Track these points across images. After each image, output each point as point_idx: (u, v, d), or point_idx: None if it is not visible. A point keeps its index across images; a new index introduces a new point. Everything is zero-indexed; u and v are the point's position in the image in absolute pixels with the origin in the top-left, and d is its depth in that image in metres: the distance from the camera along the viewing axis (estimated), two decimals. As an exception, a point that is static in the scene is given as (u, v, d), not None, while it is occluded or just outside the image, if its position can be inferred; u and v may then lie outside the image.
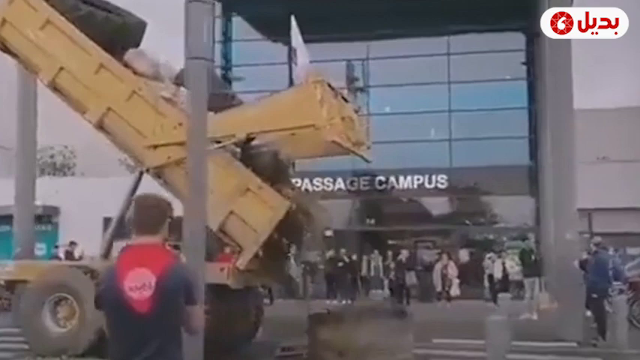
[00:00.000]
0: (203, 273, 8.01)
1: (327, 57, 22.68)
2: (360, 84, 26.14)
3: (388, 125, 25.23)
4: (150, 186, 11.60)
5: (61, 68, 11.64)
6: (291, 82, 25.08)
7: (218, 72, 25.57)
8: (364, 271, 23.40)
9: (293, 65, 13.27)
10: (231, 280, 10.63)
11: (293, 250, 11.76)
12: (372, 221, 26.42)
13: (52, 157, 34.52)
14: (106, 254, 11.67)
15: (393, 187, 25.57)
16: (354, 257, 23.86)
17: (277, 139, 11.14)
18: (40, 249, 23.70)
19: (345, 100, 11.81)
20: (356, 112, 12.49)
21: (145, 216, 3.61)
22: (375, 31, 25.09)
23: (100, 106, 11.52)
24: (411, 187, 25.33)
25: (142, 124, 11.24)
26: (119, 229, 11.79)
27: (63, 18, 11.65)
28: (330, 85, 10.90)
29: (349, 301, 20.93)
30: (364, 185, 25.67)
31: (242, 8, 27.26)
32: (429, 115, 25.60)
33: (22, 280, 11.72)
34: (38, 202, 21.55)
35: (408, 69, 25.45)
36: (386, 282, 22.70)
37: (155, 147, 11.14)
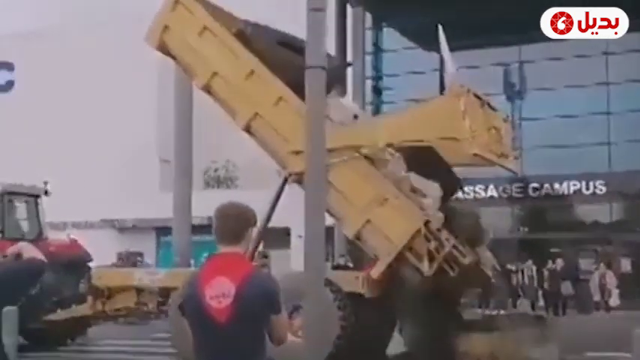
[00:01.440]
0: (321, 281, 8.18)
1: (482, 63, 22.37)
2: (515, 89, 25.55)
3: (543, 130, 24.52)
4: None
5: (215, 73, 12.05)
6: (442, 91, 25.07)
7: (369, 82, 25.98)
8: (518, 281, 22.75)
9: (444, 74, 13.21)
10: (365, 289, 10.78)
11: None
12: (526, 229, 25.62)
13: (216, 170, 36.37)
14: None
15: (548, 194, 24.68)
16: (509, 266, 23.22)
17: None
18: (205, 258, 25.11)
19: (493, 108, 11.60)
20: (505, 120, 12.24)
21: (225, 225, 3.57)
22: (529, 34, 24.34)
23: (248, 110, 11.85)
24: (567, 192, 24.34)
25: (287, 130, 11.40)
26: (262, 236, 12.21)
27: (218, 24, 12.09)
28: (476, 95, 10.77)
29: (501, 311, 20.41)
30: (517, 192, 24.96)
31: (393, 19, 27.43)
32: (586, 117, 24.49)
33: (172, 287, 12.47)
34: (203, 214, 22.79)
35: (564, 71, 24.56)
36: (540, 292, 21.99)
37: (297, 153, 11.14)
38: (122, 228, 34.18)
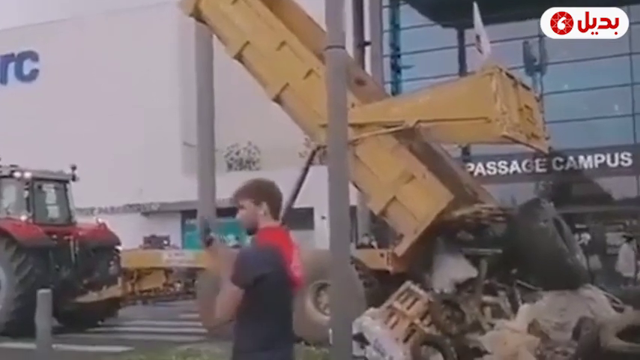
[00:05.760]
0: (347, 258, 8.23)
1: (502, 37, 22.09)
2: (537, 63, 25.28)
3: (567, 103, 24.25)
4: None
5: (247, 42, 12.11)
6: (461, 68, 24.96)
7: (387, 61, 25.87)
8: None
9: (477, 53, 13.04)
10: (391, 266, 10.88)
11: None
12: (551, 204, 25.36)
13: (237, 153, 36.55)
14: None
15: (572, 168, 24.46)
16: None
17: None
18: (229, 240, 25.34)
19: (526, 87, 11.52)
20: (537, 100, 12.14)
21: (280, 201, 3.84)
22: (549, 6, 24.06)
23: (278, 81, 11.93)
24: (592, 166, 24.10)
25: (317, 103, 11.06)
26: (288, 214, 12.27)
27: None
28: (509, 74, 10.71)
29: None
30: (541, 167, 24.74)
31: (410, -4, 27.24)
32: (610, 89, 24.20)
33: (199, 267, 12.66)
34: (225, 196, 22.96)
35: (586, 43, 24.15)
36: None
37: (326, 126, 11.26)
38: (147, 212, 34.55)
